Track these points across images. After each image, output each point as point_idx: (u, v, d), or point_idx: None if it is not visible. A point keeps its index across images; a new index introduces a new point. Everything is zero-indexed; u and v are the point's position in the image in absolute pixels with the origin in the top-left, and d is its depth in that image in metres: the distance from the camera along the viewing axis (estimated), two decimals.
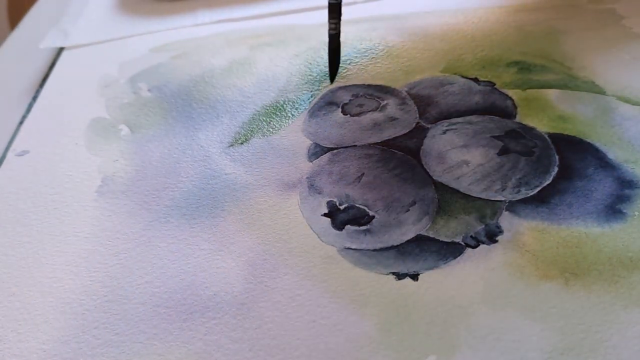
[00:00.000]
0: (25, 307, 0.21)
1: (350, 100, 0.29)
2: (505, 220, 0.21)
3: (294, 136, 0.27)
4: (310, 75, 0.31)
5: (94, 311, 0.20)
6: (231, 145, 0.27)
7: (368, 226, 0.22)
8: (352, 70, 0.31)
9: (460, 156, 0.24)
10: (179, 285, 0.21)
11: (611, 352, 0.17)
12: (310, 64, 0.32)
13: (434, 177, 0.23)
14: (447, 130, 0.26)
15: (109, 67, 0.34)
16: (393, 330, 0.18)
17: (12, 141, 0.29)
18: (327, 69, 0.30)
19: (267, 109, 0.29)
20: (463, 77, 0.29)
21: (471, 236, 0.21)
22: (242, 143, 0.27)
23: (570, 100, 0.27)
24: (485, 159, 0.24)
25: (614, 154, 0.24)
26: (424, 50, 0.32)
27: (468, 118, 0.26)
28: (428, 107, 0.27)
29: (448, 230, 0.21)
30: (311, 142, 0.26)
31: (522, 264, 0.20)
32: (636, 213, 0.21)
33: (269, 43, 0.34)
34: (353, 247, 0.21)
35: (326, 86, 0.30)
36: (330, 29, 0.29)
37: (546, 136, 0.25)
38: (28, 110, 0.32)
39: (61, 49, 0.37)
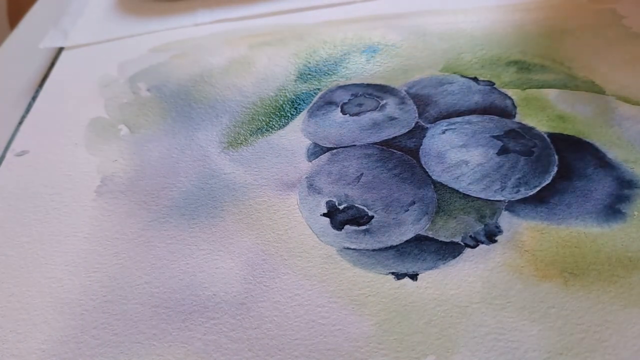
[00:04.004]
0: (24, 307, 0.21)
1: (349, 99, 0.29)
2: (505, 220, 0.21)
3: (293, 136, 0.27)
4: (309, 74, 0.31)
5: (92, 311, 0.20)
6: (230, 145, 0.27)
7: (367, 226, 0.22)
8: (351, 70, 0.31)
9: (459, 156, 0.24)
10: (178, 286, 0.21)
11: (610, 352, 0.17)
12: (310, 63, 0.32)
13: (433, 177, 0.23)
14: (446, 129, 0.26)
15: (109, 67, 0.34)
16: (392, 330, 0.18)
17: (12, 141, 0.29)
18: (326, 68, 0.30)
19: (266, 109, 0.29)
20: (462, 76, 0.29)
21: (470, 236, 0.21)
22: (241, 143, 0.27)
23: (570, 100, 0.27)
24: (485, 158, 0.24)
25: (613, 153, 0.24)
26: (423, 50, 0.32)
27: (467, 118, 0.26)
28: (427, 106, 0.27)
29: (447, 230, 0.21)
30: (310, 142, 0.26)
31: (521, 264, 0.20)
32: (635, 213, 0.21)
33: (268, 42, 0.34)
34: (352, 247, 0.21)
35: (325, 85, 0.30)
36: None
37: (545, 136, 0.25)
38: (27, 110, 0.32)
39: (61, 49, 0.37)
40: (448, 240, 0.21)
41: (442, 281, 0.20)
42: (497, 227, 0.21)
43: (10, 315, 0.20)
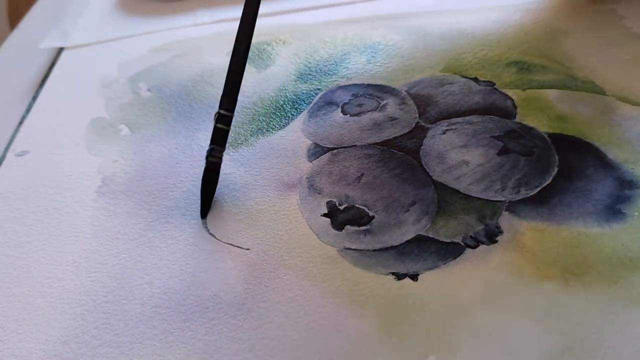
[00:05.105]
0: (24, 307, 0.21)
1: (349, 100, 0.29)
2: (505, 220, 0.21)
3: (293, 136, 0.27)
4: (310, 74, 0.31)
5: (93, 311, 0.20)
6: (230, 145, 0.27)
7: (368, 226, 0.22)
8: (351, 70, 0.31)
9: (460, 156, 0.24)
10: (179, 286, 0.21)
11: (611, 352, 0.17)
12: (310, 63, 0.32)
13: (434, 177, 0.23)
14: (446, 130, 0.26)
15: (109, 67, 0.34)
16: (393, 330, 0.18)
17: (12, 141, 0.29)
18: (327, 68, 0.30)
19: (267, 109, 0.29)
20: (463, 76, 0.29)
21: (471, 236, 0.21)
22: (241, 143, 0.27)
23: (570, 100, 0.27)
24: (485, 159, 0.24)
25: (613, 154, 0.24)
26: (424, 50, 0.32)
27: (468, 118, 0.26)
28: (428, 106, 0.27)
29: (448, 231, 0.21)
30: (311, 142, 0.26)
31: (521, 264, 0.20)
32: (636, 213, 0.21)
33: (268, 42, 0.34)
34: (353, 247, 0.21)
35: (326, 85, 0.30)
36: (208, 156, 0.23)
37: (546, 136, 0.25)
38: (28, 110, 0.32)
39: (61, 49, 0.37)
40: (448, 240, 0.21)
41: (442, 281, 0.20)
42: (498, 227, 0.21)
43: (10, 315, 0.20)
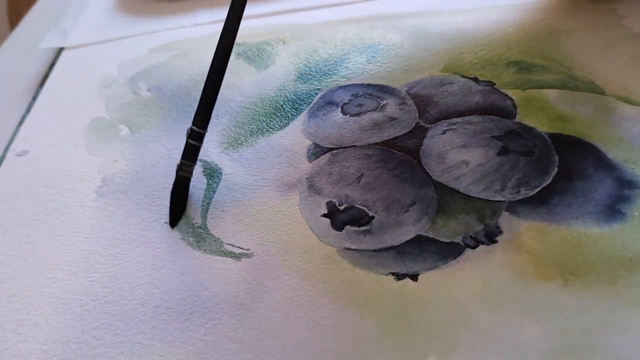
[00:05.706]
0: (24, 307, 0.21)
1: (349, 100, 0.29)
2: (505, 220, 0.21)
3: (293, 136, 0.27)
4: (309, 74, 0.31)
5: (93, 312, 0.20)
6: (231, 146, 0.27)
7: (368, 226, 0.22)
8: (351, 70, 0.31)
9: (459, 156, 0.24)
10: (179, 286, 0.21)
11: (610, 352, 0.17)
12: (310, 63, 0.32)
13: (434, 177, 0.23)
14: (446, 130, 0.26)
15: (109, 67, 0.34)
16: (392, 330, 0.18)
17: (12, 141, 0.29)
18: (326, 68, 0.30)
19: (267, 109, 0.29)
20: (463, 76, 0.29)
21: (471, 236, 0.21)
22: (241, 143, 0.27)
23: (570, 100, 0.27)
24: (485, 159, 0.24)
25: (613, 154, 0.24)
26: (424, 50, 0.32)
27: (468, 118, 0.26)
28: (428, 107, 0.27)
29: (447, 231, 0.21)
30: (311, 142, 0.26)
31: (521, 264, 0.20)
32: (636, 213, 0.21)
33: (268, 42, 0.34)
34: (352, 247, 0.21)
35: (326, 85, 0.30)
36: (179, 170, 0.24)
37: (546, 136, 0.25)
38: (28, 110, 0.32)
39: (61, 49, 0.37)
40: (448, 240, 0.21)
41: (442, 281, 0.20)
42: (498, 227, 0.21)
43: (10, 315, 0.20)
